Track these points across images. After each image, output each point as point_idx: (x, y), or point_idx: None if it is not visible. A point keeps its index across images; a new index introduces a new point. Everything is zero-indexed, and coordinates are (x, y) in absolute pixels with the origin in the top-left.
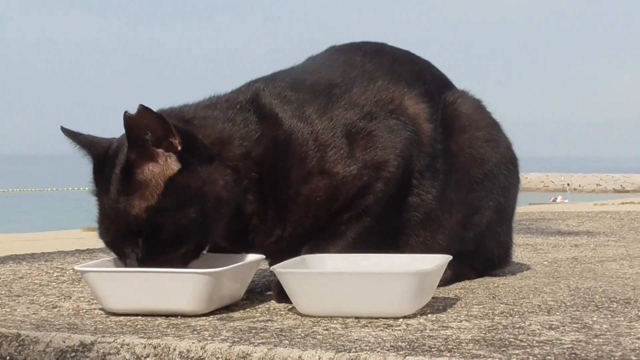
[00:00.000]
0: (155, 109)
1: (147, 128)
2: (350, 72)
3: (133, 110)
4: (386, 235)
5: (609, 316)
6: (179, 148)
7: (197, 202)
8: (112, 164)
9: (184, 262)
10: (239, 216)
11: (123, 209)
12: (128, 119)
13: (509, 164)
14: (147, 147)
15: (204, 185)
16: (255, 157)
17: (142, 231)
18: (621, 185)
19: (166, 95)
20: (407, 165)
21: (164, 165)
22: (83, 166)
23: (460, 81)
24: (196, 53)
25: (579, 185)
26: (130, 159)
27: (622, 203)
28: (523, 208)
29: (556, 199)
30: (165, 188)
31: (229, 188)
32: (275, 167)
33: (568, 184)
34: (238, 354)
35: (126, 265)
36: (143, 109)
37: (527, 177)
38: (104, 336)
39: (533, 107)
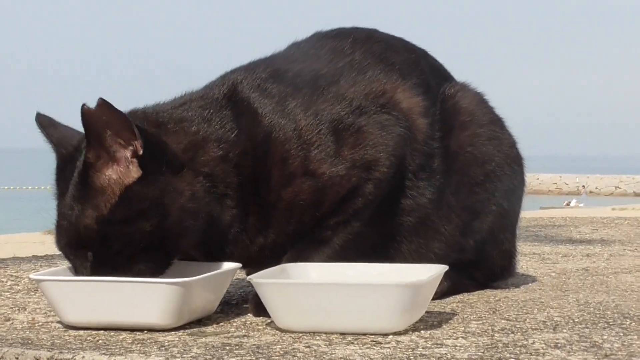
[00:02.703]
0: (137, 102)
1: (107, 126)
2: (337, 62)
3: (92, 104)
4: (376, 242)
5: (621, 334)
6: (140, 152)
7: (154, 215)
8: (74, 165)
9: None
10: (215, 226)
11: (75, 218)
12: (87, 114)
13: (514, 164)
14: (108, 149)
15: (164, 197)
16: (234, 159)
17: (92, 244)
18: None
19: (153, 83)
20: (400, 165)
21: (124, 172)
22: (43, 162)
23: (459, 70)
24: (180, 30)
25: (596, 188)
26: (89, 160)
27: None
28: (532, 213)
29: (570, 202)
30: (119, 198)
31: (198, 198)
32: (255, 169)
33: (583, 186)
34: None
35: None
36: (103, 103)
37: (539, 178)
38: (61, 352)
39: (545, 100)
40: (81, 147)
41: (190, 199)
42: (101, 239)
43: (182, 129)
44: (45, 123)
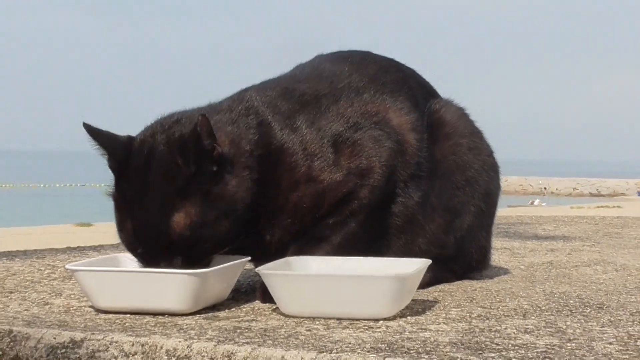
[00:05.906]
0: (151, 112)
1: (208, 136)
2: (337, 83)
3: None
4: (369, 239)
5: (582, 321)
6: (221, 151)
7: (231, 211)
8: (146, 172)
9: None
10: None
11: (166, 226)
12: (204, 127)
13: (491, 171)
14: (207, 160)
15: (235, 194)
16: (257, 157)
17: (182, 250)
18: (597, 190)
19: (160, 93)
20: (392, 175)
21: (208, 175)
22: (72, 164)
23: (434, 82)
24: (191, 51)
25: (556, 189)
26: (189, 173)
27: (598, 207)
28: (502, 211)
29: (534, 201)
30: (202, 200)
31: (249, 188)
32: (266, 175)
33: (545, 188)
34: (223, 353)
35: None
36: (205, 117)
37: (507, 180)
38: (93, 333)
39: (513, 110)
40: (139, 148)
41: (246, 191)
42: (192, 241)
43: (217, 129)
44: (93, 131)
